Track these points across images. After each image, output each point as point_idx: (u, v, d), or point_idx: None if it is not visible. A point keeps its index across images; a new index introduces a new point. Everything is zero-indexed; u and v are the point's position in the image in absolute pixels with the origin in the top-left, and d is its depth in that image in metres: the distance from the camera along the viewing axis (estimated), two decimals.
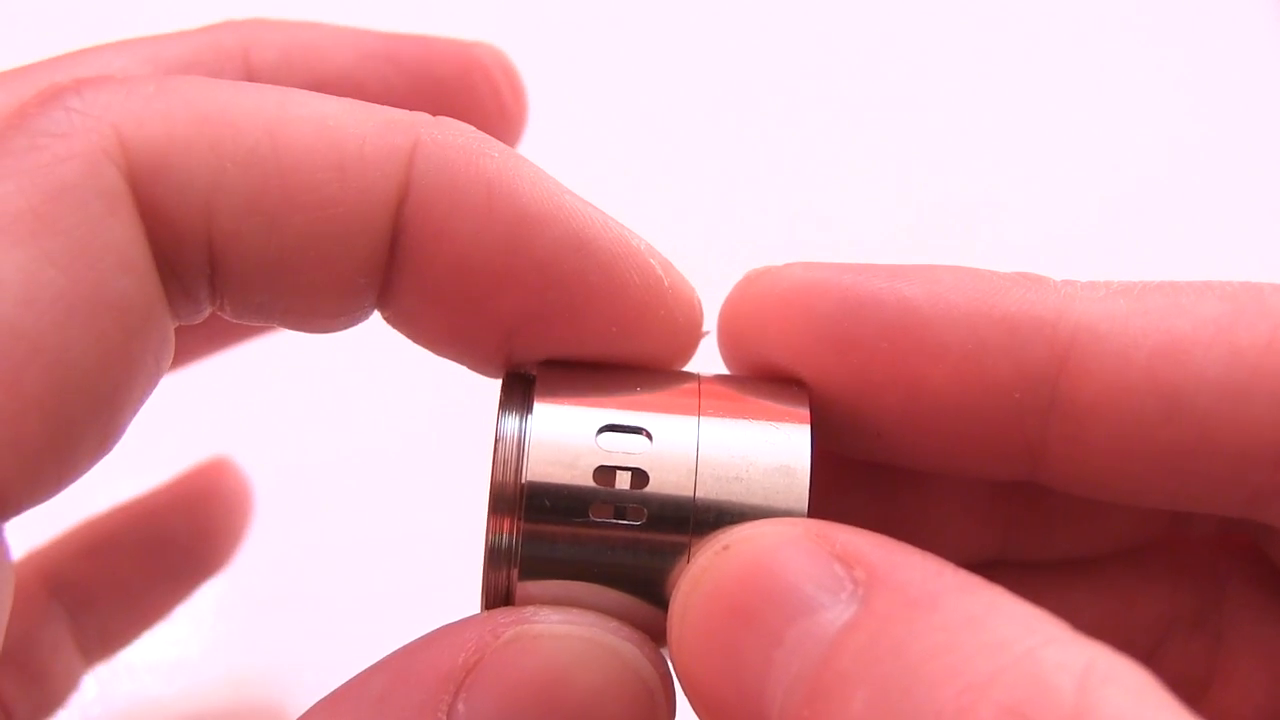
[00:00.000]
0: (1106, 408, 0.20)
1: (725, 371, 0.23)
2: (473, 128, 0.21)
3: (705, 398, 0.21)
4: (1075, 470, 0.21)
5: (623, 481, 0.20)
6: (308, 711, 0.19)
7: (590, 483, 0.20)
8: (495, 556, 0.21)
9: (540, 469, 0.20)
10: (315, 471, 0.43)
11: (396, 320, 0.21)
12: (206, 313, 0.21)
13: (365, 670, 0.19)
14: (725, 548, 0.19)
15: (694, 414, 0.21)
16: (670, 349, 0.22)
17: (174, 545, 0.34)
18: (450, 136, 0.20)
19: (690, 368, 0.22)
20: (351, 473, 0.42)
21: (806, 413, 0.21)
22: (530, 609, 0.20)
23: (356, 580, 0.40)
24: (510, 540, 0.20)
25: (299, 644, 0.39)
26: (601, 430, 0.21)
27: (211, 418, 0.42)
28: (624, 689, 0.19)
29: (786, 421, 0.21)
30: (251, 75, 0.26)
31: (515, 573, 0.20)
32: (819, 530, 0.19)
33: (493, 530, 0.21)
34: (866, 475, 0.24)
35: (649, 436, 0.21)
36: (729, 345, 0.22)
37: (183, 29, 0.26)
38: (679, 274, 0.21)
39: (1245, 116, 0.54)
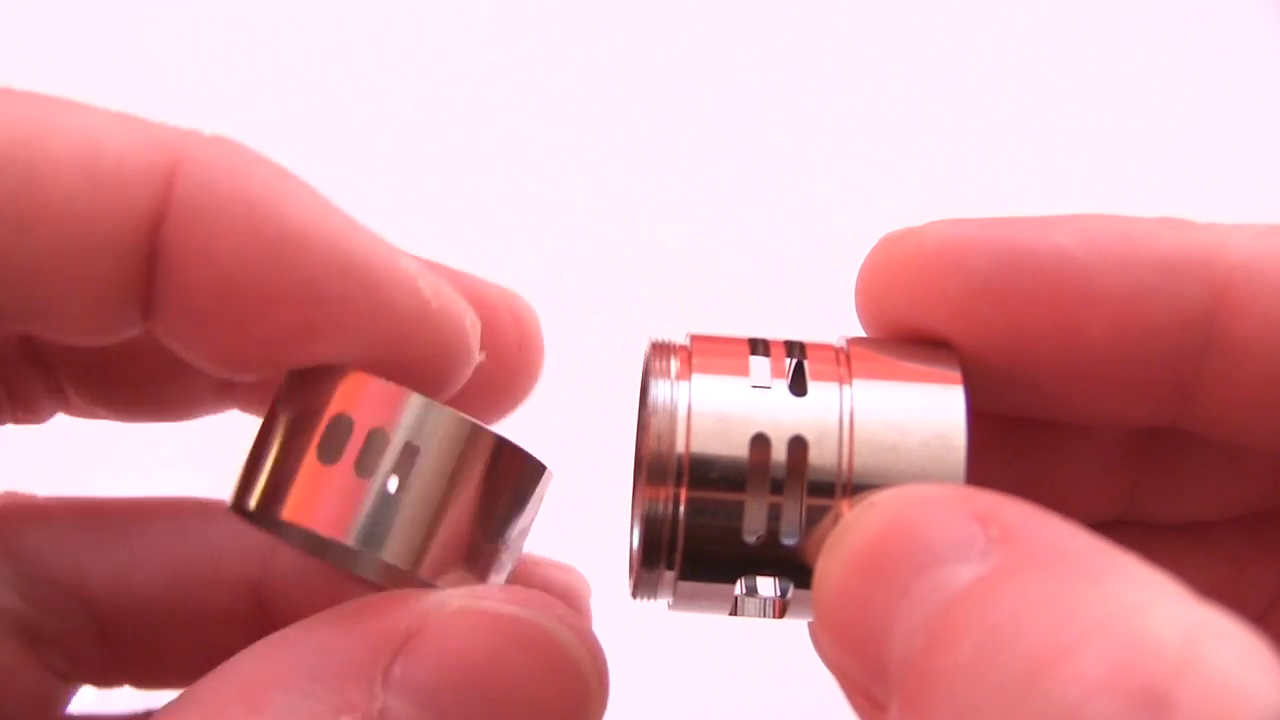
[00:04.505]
0: (1263, 344, 0.20)
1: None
2: (245, 146, 0.21)
3: (854, 361, 0.21)
4: (1226, 410, 0.21)
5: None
6: (254, 644, 0.19)
7: None
8: None
9: None
10: None
11: (165, 337, 0.21)
12: None
13: (318, 615, 0.19)
14: (871, 504, 0.19)
15: (836, 380, 0.21)
16: (436, 370, 0.21)
17: None
18: (217, 155, 0.20)
19: (828, 334, 0.22)
20: None
21: (958, 374, 0.21)
22: (484, 586, 0.20)
23: None
24: None
25: None
26: None
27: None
28: (558, 680, 0.19)
29: (938, 384, 0.21)
30: None
31: None
32: (964, 492, 0.19)
33: None
34: (1001, 432, 0.24)
35: None
36: (871, 308, 0.22)
37: None
38: (453, 295, 0.21)
39: (1245, 116, 0.55)
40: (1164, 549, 0.25)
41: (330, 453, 0.20)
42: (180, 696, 0.18)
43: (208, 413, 0.27)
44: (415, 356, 0.21)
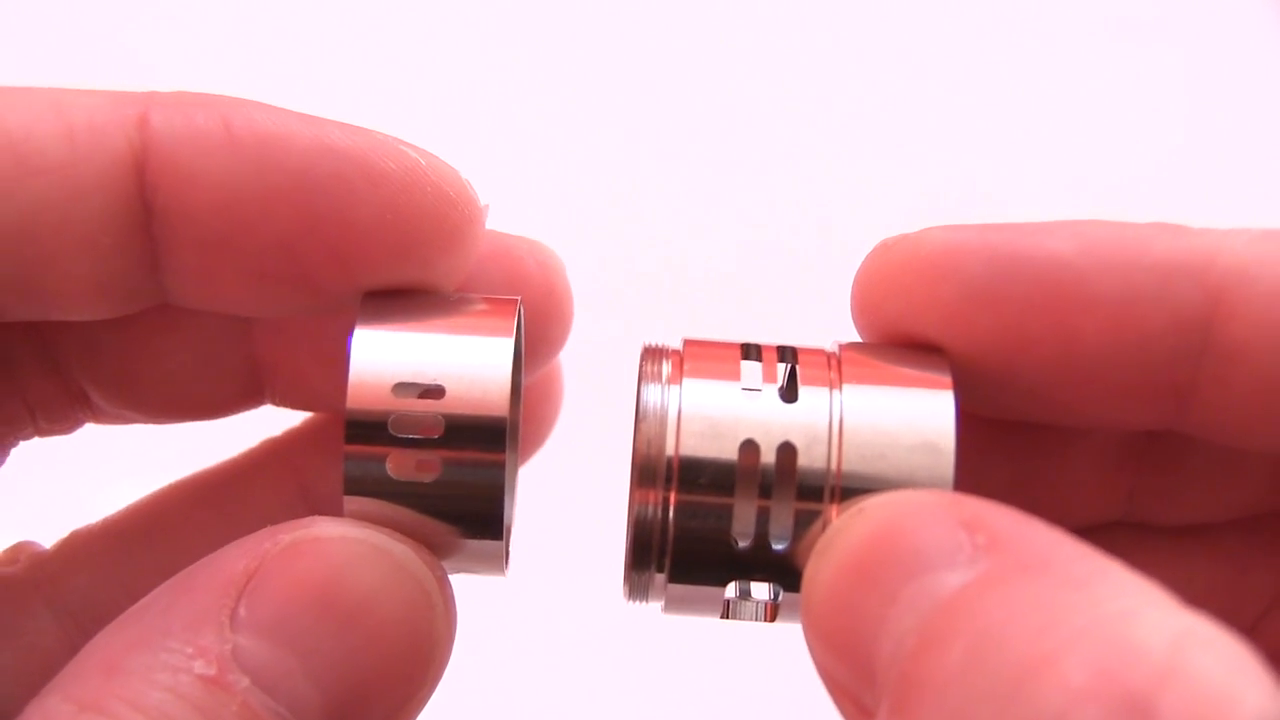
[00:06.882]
0: (1259, 348, 0.20)
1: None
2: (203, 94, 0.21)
3: (845, 366, 0.21)
4: (1222, 414, 0.21)
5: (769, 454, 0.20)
6: (108, 625, 0.19)
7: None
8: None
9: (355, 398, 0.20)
10: None
11: (183, 287, 0.22)
12: None
13: (163, 584, 0.20)
14: (859, 510, 0.19)
15: (827, 385, 0.21)
16: (449, 225, 0.22)
17: None
18: (182, 96, 0.21)
19: (823, 339, 0.22)
20: None
21: (949, 380, 0.21)
22: (309, 518, 0.20)
23: None
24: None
25: None
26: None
27: None
28: (399, 588, 0.20)
29: (929, 389, 0.21)
30: None
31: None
32: (952, 499, 0.19)
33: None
34: (999, 435, 0.24)
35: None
36: (866, 313, 0.22)
37: None
38: (438, 159, 0.22)
39: (1243, 120, 0.55)
40: (1163, 551, 0.25)
41: None
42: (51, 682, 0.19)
43: (240, 409, 0.27)
44: (425, 216, 0.21)
